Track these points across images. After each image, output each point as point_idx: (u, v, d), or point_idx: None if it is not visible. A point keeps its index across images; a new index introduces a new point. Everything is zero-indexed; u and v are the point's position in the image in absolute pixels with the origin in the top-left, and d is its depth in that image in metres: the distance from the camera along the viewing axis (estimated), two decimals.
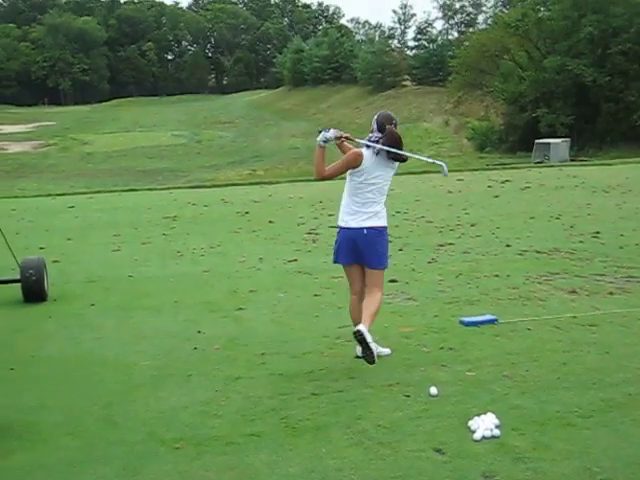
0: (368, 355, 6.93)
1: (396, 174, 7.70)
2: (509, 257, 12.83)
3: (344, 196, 7.56)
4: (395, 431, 5.94)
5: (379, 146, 7.28)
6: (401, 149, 7.32)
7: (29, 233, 17.13)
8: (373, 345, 6.93)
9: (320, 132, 7.48)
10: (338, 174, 7.54)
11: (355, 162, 7.36)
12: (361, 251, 7.40)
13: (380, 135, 7.35)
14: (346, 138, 7.58)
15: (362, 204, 7.40)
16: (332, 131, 7.43)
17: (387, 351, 7.74)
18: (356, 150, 7.45)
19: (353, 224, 7.41)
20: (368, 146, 7.38)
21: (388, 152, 7.28)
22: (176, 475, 5.39)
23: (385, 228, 7.52)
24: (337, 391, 6.80)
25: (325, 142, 7.40)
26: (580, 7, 63.29)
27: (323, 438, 5.88)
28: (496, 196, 21.18)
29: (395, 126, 7.43)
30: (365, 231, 7.36)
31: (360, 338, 6.88)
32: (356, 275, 7.61)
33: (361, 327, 6.93)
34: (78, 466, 5.58)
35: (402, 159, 7.43)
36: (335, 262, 7.71)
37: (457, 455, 5.49)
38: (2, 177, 66.73)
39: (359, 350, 7.13)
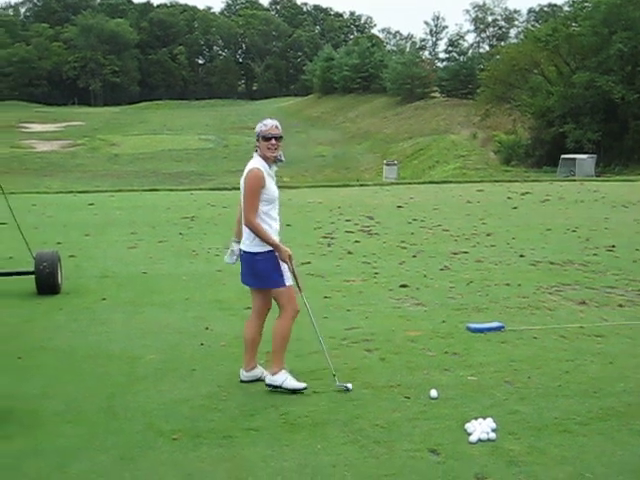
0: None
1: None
2: (522, 267, 12.80)
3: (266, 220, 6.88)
4: (392, 431, 5.97)
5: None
6: None
7: (47, 228, 17.25)
8: (288, 384, 6.94)
9: None
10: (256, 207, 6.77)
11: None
12: None
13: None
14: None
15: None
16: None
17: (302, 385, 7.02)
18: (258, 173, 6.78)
19: None
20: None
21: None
22: (171, 465, 5.44)
23: None
24: (338, 390, 6.82)
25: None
26: (611, 24, 62.96)
27: (319, 435, 5.92)
28: (515, 207, 21.14)
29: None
30: None
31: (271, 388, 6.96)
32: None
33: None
34: (75, 453, 5.64)
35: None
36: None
37: (451, 456, 5.51)
38: (29, 174, 67.27)
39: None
